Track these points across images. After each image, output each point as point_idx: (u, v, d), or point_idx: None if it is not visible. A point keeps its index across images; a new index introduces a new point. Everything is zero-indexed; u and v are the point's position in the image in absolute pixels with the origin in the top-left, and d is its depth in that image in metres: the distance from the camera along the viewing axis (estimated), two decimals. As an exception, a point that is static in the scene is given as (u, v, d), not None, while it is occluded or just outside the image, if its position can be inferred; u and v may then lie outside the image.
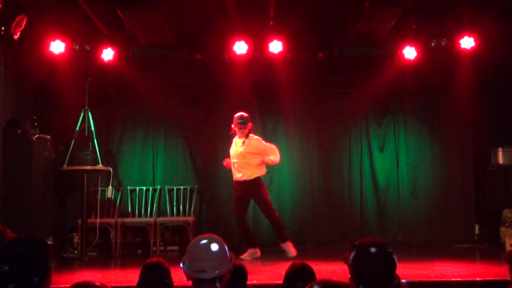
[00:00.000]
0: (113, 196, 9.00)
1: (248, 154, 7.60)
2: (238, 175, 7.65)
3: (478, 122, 9.49)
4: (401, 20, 8.12)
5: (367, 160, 9.62)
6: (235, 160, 7.69)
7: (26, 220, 7.46)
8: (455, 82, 9.28)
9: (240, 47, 8.51)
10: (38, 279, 2.31)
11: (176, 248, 9.22)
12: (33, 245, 2.39)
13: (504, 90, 9.08)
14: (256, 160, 7.64)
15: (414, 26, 8.59)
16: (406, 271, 5.87)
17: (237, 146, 7.72)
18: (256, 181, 7.63)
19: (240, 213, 7.70)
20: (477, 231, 9.42)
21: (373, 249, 2.57)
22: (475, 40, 8.41)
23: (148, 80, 9.13)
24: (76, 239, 8.71)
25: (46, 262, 2.36)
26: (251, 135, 7.74)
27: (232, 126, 7.74)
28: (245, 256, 7.45)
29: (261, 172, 7.72)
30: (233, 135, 7.83)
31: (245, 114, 7.74)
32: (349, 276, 2.60)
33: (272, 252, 8.06)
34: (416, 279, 5.51)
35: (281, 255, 7.47)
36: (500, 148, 8.76)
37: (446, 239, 9.29)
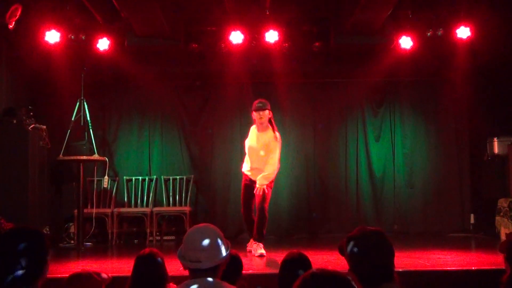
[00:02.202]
0: (109, 186, 8.98)
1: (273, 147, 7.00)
2: (255, 174, 7.04)
3: (474, 111, 9.51)
4: (397, 10, 8.12)
5: (363, 149, 9.63)
6: (261, 153, 7.02)
7: (22, 210, 7.45)
8: (451, 72, 9.31)
9: (236, 37, 8.49)
10: (35, 269, 2.32)
11: (172, 238, 9.23)
12: (30, 236, 2.39)
13: (500, 80, 9.08)
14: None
15: (410, 16, 8.59)
16: (401, 260, 5.89)
17: (258, 140, 7.08)
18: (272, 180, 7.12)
19: (250, 202, 7.16)
20: (472, 221, 9.47)
21: (369, 239, 2.57)
22: (471, 30, 8.41)
23: (144, 70, 9.11)
24: (72, 229, 8.71)
25: (43, 253, 2.36)
26: (277, 133, 7.06)
27: (252, 115, 7.16)
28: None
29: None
30: (252, 124, 7.28)
31: (264, 100, 7.10)
32: (348, 268, 2.60)
33: (268, 242, 8.07)
34: (412, 268, 5.54)
35: (278, 245, 7.48)
36: (496, 138, 8.76)
37: (441, 228, 9.33)
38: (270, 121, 7.08)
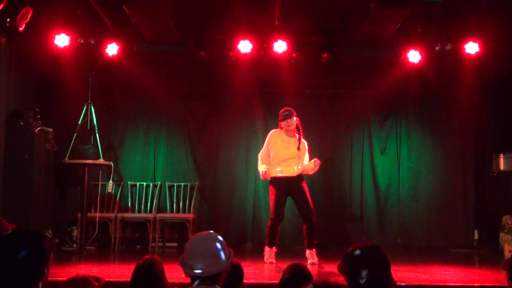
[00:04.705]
0: (113, 191, 8.99)
1: (300, 155, 7.20)
2: (289, 171, 7.15)
3: (480, 127, 9.49)
4: (406, 23, 8.12)
5: (368, 162, 9.61)
6: (287, 158, 7.15)
7: (27, 212, 7.48)
8: (459, 87, 9.28)
9: (245, 46, 8.52)
10: (35, 272, 2.31)
11: (175, 244, 9.22)
12: (31, 239, 2.38)
13: (507, 96, 9.07)
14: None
15: (419, 30, 8.59)
16: (404, 274, 5.86)
17: (288, 145, 7.19)
18: (301, 176, 7.23)
19: (282, 213, 7.18)
20: (476, 237, 9.42)
21: (361, 254, 2.57)
22: (479, 46, 8.41)
23: (151, 76, 9.12)
24: (75, 232, 8.72)
25: (44, 256, 2.36)
26: (303, 140, 7.27)
27: (280, 125, 7.25)
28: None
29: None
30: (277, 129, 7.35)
31: (288, 108, 7.27)
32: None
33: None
34: (414, 283, 5.50)
35: (280, 255, 7.43)
36: (502, 154, 8.75)
37: (445, 243, 9.29)
38: (298, 128, 7.22)
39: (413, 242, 9.33)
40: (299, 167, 7.20)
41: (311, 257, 7.05)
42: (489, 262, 7.92)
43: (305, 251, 7.20)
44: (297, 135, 7.24)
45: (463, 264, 7.39)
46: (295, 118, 7.17)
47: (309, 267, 6.14)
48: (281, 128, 7.26)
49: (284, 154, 7.19)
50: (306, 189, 7.22)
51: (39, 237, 2.40)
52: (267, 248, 7.18)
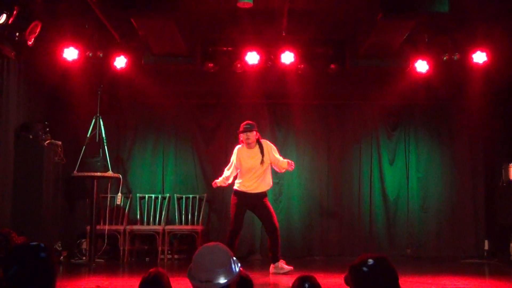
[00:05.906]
0: (122, 203, 9.00)
1: (266, 161, 7.20)
2: (254, 187, 7.25)
3: (489, 137, 9.46)
4: (413, 33, 8.13)
5: (377, 172, 9.60)
6: (253, 173, 7.24)
7: (36, 225, 7.50)
8: (467, 97, 9.27)
9: (252, 57, 8.55)
10: (42, 285, 2.31)
11: (183, 256, 9.19)
12: (24, 254, 2.37)
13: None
14: (269, 167, 7.31)
15: (426, 40, 8.60)
16: (414, 285, 5.83)
17: (251, 158, 7.23)
18: (265, 193, 7.36)
19: (241, 224, 7.34)
20: (486, 247, 9.36)
21: (369, 267, 2.55)
22: (487, 55, 8.41)
23: (159, 88, 9.16)
24: (84, 245, 8.71)
25: (50, 269, 2.35)
26: (262, 140, 7.33)
27: (240, 136, 7.34)
28: None
29: (271, 183, 7.44)
30: (240, 144, 7.39)
31: (251, 122, 7.36)
32: None
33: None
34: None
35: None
36: (511, 164, 8.70)
37: (455, 254, 9.24)
38: (258, 141, 7.28)
39: (422, 253, 9.29)
40: (265, 183, 7.30)
41: (279, 269, 7.01)
42: (500, 272, 7.87)
43: (269, 266, 7.16)
44: (258, 148, 7.25)
45: (474, 275, 7.33)
46: (255, 132, 7.23)
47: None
48: (241, 140, 7.32)
49: (248, 164, 7.25)
50: (269, 205, 7.31)
51: (34, 252, 2.38)
52: None
